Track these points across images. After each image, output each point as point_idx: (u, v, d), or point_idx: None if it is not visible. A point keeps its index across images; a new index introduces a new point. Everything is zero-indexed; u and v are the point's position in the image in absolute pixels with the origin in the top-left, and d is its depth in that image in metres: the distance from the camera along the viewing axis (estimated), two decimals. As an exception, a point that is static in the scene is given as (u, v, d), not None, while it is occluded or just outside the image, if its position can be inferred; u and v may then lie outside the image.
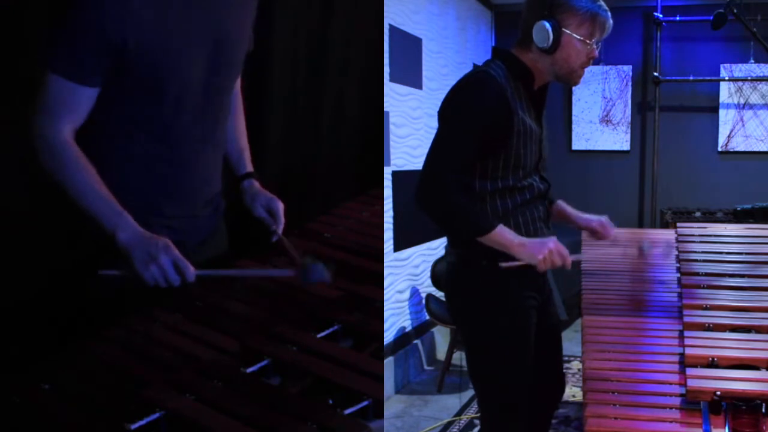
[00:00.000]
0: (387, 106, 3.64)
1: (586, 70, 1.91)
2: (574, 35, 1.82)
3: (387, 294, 3.76)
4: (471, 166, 1.83)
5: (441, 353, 4.38)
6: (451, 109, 1.86)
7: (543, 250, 1.79)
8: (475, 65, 5.14)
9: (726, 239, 2.71)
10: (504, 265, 1.82)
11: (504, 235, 1.80)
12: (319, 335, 1.58)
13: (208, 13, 1.77)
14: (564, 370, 2.23)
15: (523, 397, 1.93)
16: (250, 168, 2.06)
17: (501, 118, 1.80)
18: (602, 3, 1.85)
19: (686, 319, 2.00)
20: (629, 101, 5.33)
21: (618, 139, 5.38)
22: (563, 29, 1.81)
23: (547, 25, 1.80)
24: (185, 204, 1.89)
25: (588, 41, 1.83)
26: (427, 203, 1.81)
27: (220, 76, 1.85)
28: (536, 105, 1.91)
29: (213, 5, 1.78)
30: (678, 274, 2.41)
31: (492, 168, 1.84)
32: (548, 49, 1.82)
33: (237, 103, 2.08)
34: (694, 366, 1.73)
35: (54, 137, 1.65)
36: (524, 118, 1.84)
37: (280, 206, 1.99)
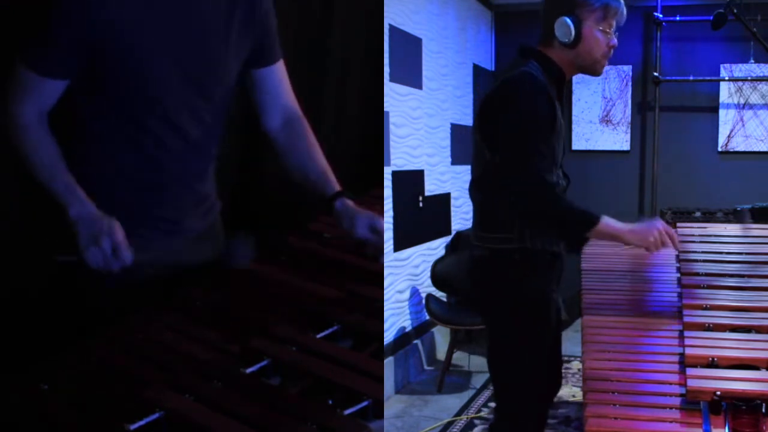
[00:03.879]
0: (387, 106, 3.64)
1: None
2: (594, 26, 1.92)
3: (387, 294, 3.76)
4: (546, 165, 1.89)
5: (441, 353, 4.38)
6: (511, 113, 1.89)
7: (653, 232, 1.90)
8: (475, 65, 5.14)
9: (726, 239, 2.71)
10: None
11: (611, 224, 1.89)
12: (319, 335, 1.58)
13: (189, 18, 1.76)
14: (562, 370, 2.29)
15: (540, 387, 2.01)
16: (337, 187, 1.91)
17: (549, 117, 1.89)
18: None
19: (686, 319, 2.00)
20: (629, 101, 5.33)
21: (618, 139, 5.38)
22: (583, 22, 1.92)
23: (569, 20, 1.90)
24: (170, 207, 1.90)
25: (607, 30, 1.94)
26: (537, 212, 1.88)
27: (203, 82, 1.84)
28: (560, 102, 1.99)
29: (194, 10, 1.76)
30: (678, 274, 2.41)
31: None
32: (571, 43, 1.92)
33: (304, 125, 2.01)
34: (694, 366, 1.73)
35: (18, 118, 1.74)
36: (560, 115, 1.93)
37: (383, 223, 1.88)
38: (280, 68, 1.99)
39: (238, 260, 1.66)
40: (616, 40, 1.95)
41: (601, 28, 1.93)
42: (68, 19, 1.66)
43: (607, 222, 1.88)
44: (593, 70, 2.00)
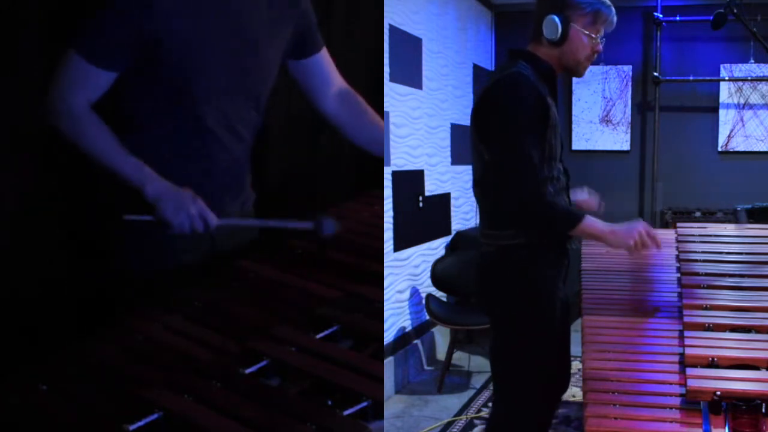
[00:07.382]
0: (387, 106, 3.64)
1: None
2: (581, 30, 1.96)
3: (387, 294, 3.76)
4: (539, 163, 1.91)
5: (441, 353, 4.38)
6: (502, 115, 1.91)
7: (633, 235, 1.92)
8: (475, 65, 5.13)
9: (726, 239, 2.71)
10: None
11: (594, 225, 1.93)
12: (318, 336, 1.58)
13: (238, 15, 1.84)
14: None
15: (543, 386, 2.02)
16: None
17: (540, 113, 1.90)
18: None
19: (686, 319, 2.00)
20: (629, 101, 5.33)
21: (618, 139, 5.37)
22: (571, 23, 1.95)
23: (556, 19, 1.94)
24: (213, 199, 1.93)
25: (593, 36, 1.97)
26: (527, 216, 1.91)
27: (249, 77, 1.92)
28: (554, 97, 2.02)
29: (242, 7, 1.84)
30: (678, 274, 2.41)
31: None
32: (557, 41, 1.96)
33: (359, 99, 2.20)
34: (694, 366, 1.73)
35: (70, 106, 1.77)
36: (554, 110, 1.95)
37: None
38: (325, 54, 2.13)
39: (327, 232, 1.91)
40: (601, 47, 2.00)
41: (588, 32, 1.97)
42: (126, 10, 1.71)
43: (590, 222, 1.92)
44: (575, 71, 2.06)
